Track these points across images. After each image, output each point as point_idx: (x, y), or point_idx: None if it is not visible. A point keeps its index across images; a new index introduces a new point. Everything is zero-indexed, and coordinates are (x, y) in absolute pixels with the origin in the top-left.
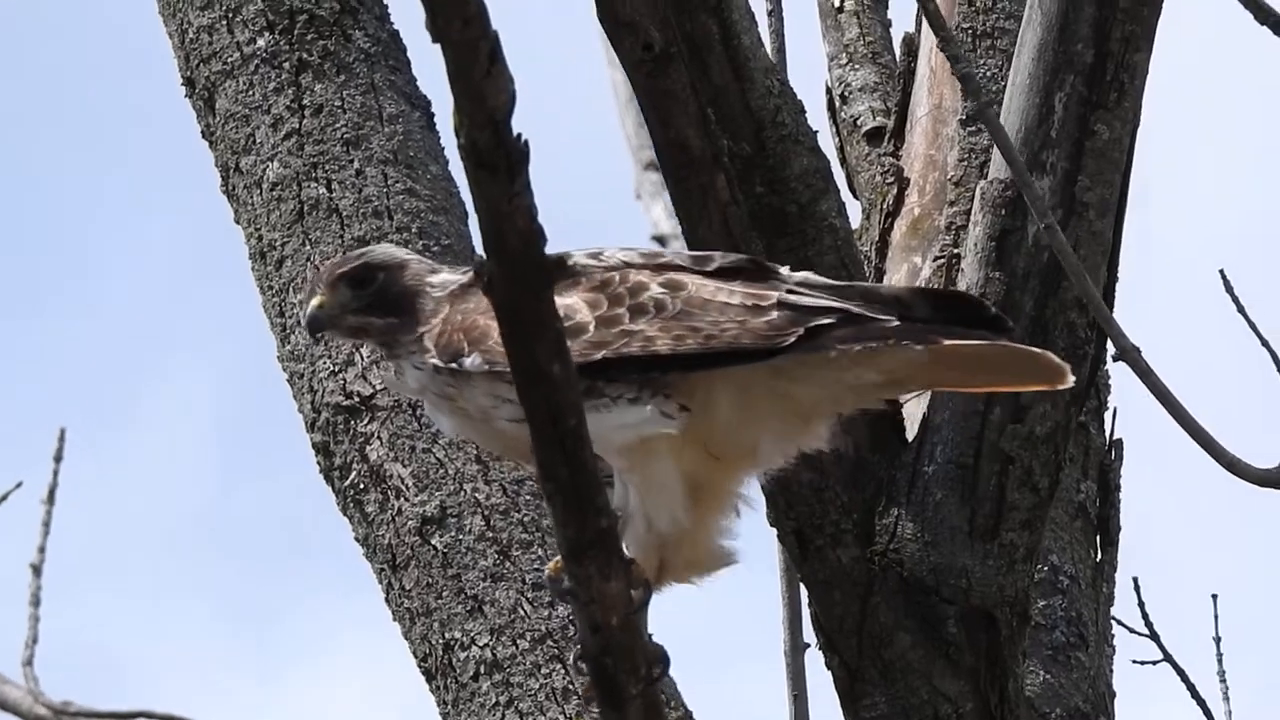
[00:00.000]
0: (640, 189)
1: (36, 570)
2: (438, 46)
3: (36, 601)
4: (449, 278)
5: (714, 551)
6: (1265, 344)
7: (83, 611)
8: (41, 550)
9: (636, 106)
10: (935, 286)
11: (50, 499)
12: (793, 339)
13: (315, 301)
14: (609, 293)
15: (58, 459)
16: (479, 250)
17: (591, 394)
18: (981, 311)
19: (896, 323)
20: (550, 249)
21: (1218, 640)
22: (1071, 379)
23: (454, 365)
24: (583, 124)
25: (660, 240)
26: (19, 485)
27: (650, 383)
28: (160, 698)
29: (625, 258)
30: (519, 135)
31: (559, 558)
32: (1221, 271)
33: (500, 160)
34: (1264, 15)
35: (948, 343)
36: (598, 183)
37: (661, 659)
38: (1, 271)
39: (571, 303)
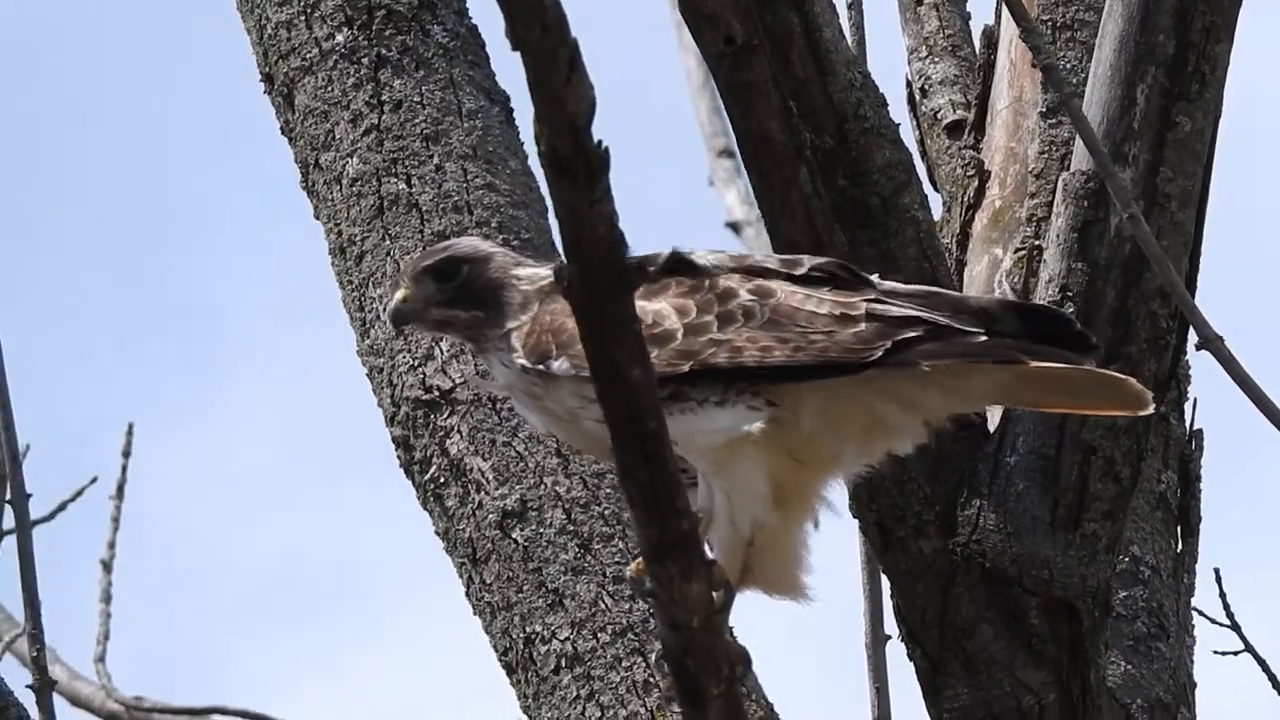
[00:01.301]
0: (714, 175)
1: (107, 566)
2: (517, 54)
3: (107, 598)
4: (536, 271)
5: (795, 565)
6: None
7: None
8: (111, 546)
9: (710, 93)
10: (1022, 280)
11: (119, 495)
12: (880, 353)
13: (399, 295)
14: (698, 299)
15: (126, 454)
16: (559, 244)
17: (677, 398)
18: (1067, 327)
19: (984, 337)
20: (628, 246)
21: None
22: (1152, 406)
23: (541, 368)
24: (657, 110)
25: (734, 226)
26: (94, 481)
27: (735, 386)
28: (234, 693)
29: (715, 260)
30: (599, 142)
31: (640, 558)
32: None
33: (580, 167)
34: None
35: (1034, 364)
36: (671, 169)
37: (743, 658)
38: (76, 263)
39: (660, 308)
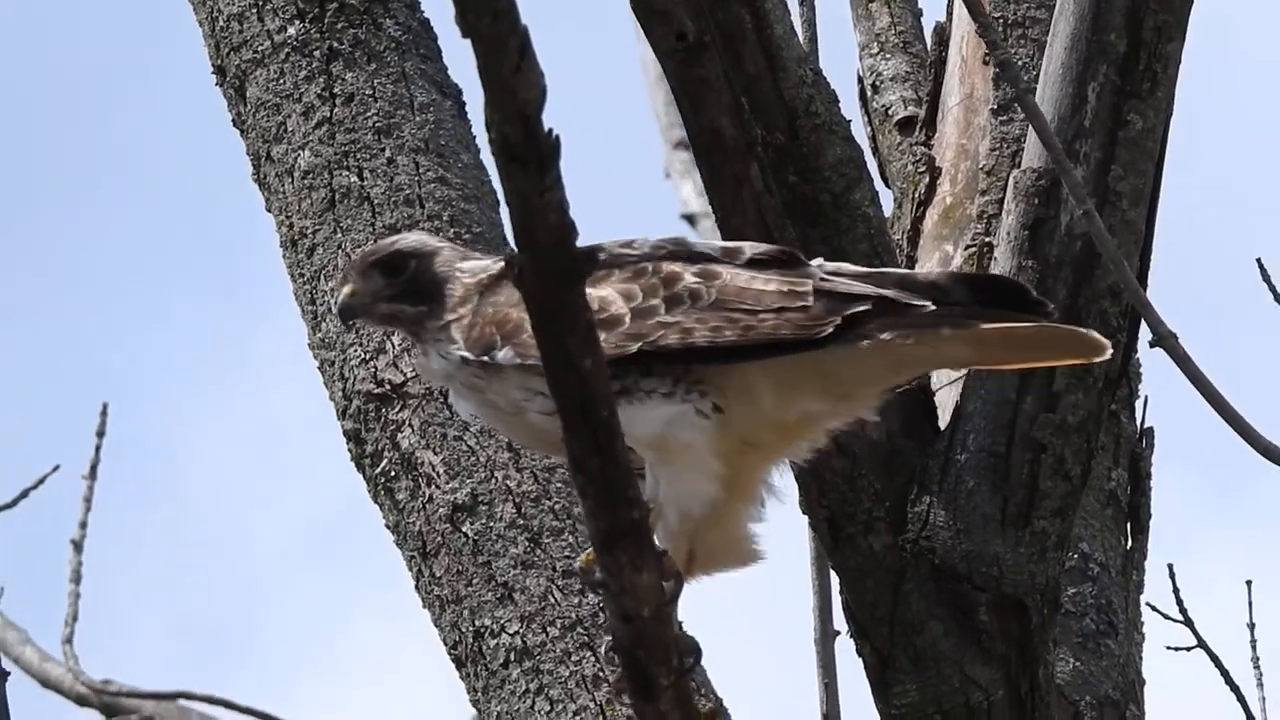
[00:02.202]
0: (670, 167)
1: (77, 546)
2: (468, 41)
3: (77, 578)
4: (480, 264)
5: (742, 543)
6: None
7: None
8: (83, 526)
9: (666, 86)
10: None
11: (92, 474)
12: (831, 329)
13: (347, 289)
14: (643, 284)
15: (100, 434)
16: (511, 238)
17: (627, 391)
18: (1023, 295)
19: (933, 308)
20: (582, 235)
21: (1251, 626)
22: (1109, 349)
23: (486, 358)
24: (614, 101)
25: (690, 219)
26: (56, 469)
27: (685, 375)
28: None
29: (658, 248)
30: (550, 130)
31: (591, 549)
32: (1259, 260)
33: (531, 155)
34: None
35: (985, 327)
36: (627, 160)
37: (693, 650)
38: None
39: (606, 294)
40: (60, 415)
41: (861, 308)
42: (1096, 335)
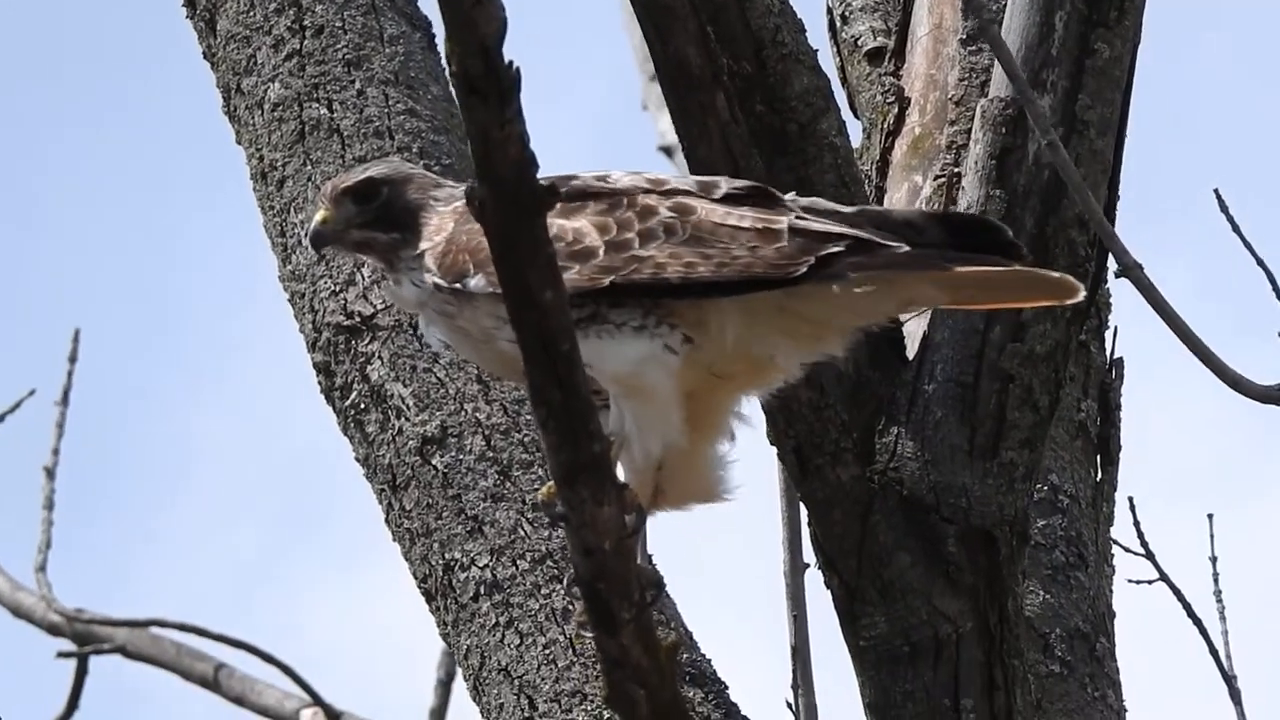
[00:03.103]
0: (647, 100)
1: (50, 473)
2: None
3: (50, 505)
4: (454, 192)
5: (710, 479)
6: (1261, 263)
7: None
8: (55, 452)
9: None
10: (941, 207)
11: (64, 400)
12: (805, 268)
13: (319, 216)
14: (617, 216)
15: (72, 360)
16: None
17: (595, 319)
18: (999, 235)
19: (907, 249)
20: (558, 164)
21: (1214, 560)
22: (1083, 292)
23: (458, 286)
24: (589, 34)
25: (667, 150)
26: (32, 393)
27: (657, 308)
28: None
29: (632, 181)
30: (510, 63)
31: (552, 482)
32: (1216, 191)
33: (491, 87)
34: None
35: (958, 270)
36: (604, 92)
37: (655, 583)
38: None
39: (580, 226)
40: (31, 342)
41: (836, 248)
42: (1070, 278)
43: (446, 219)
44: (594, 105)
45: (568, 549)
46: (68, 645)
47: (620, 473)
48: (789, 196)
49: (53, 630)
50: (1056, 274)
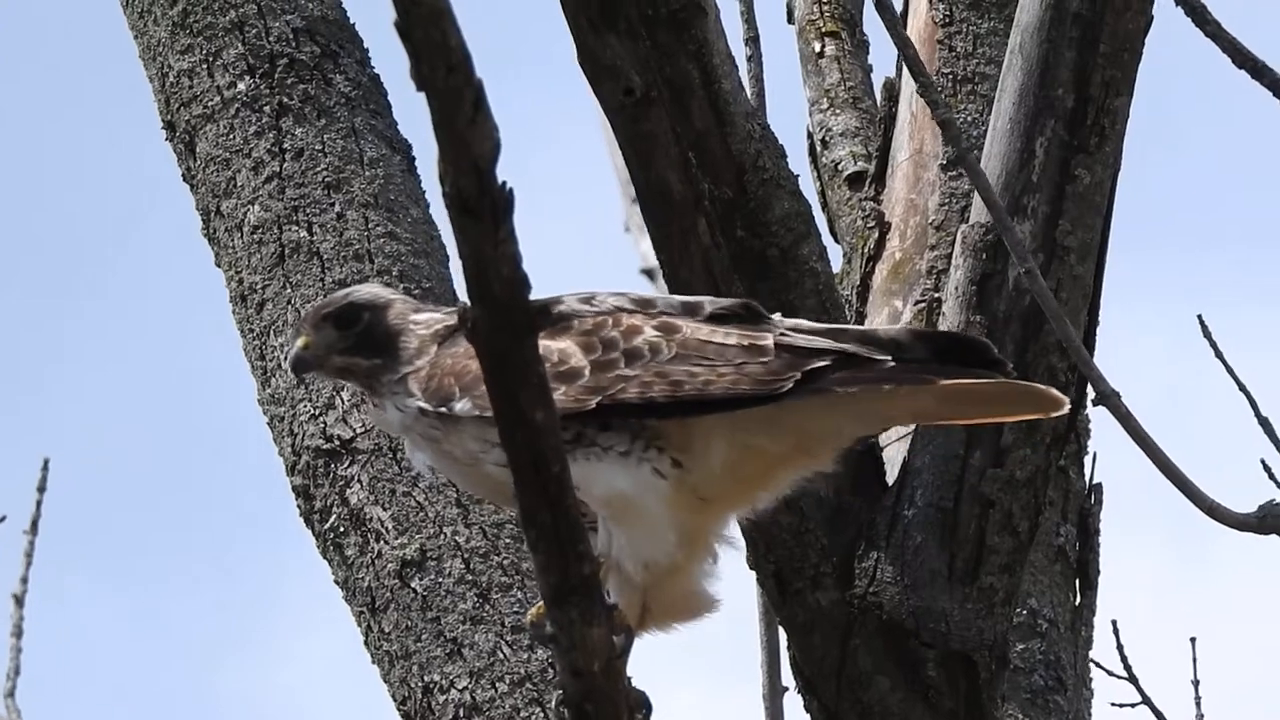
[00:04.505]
0: (629, 221)
1: (19, 601)
2: (422, 94)
3: (19, 633)
4: (433, 316)
5: (696, 596)
6: (1243, 389)
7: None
8: (24, 581)
9: None
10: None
11: (34, 529)
12: (791, 384)
13: (300, 342)
14: (602, 337)
15: (41, 489)
16: (461, 293)
17: (582, 441)
18: (984, 353)
19: (893, 363)
20: (540, 285)
21: (1196, 684)
22: (1068, 405)
23: (444, 409)
24: (571, 155)
25: (650, 273)
26: (3, 519)
27: (644, 430)
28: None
29: (617, 302)
30: (504, 183)
31: (541, 603)
32: (1200, 317)
33: (485, 208)
34: (1242, 59)
35: (945, 383)
36: (586, 214)
37: (643, 704)
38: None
39: (565, 347)
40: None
41: (822, 362)
42: (1055, 391)
43: (428, 343)
44: (576, 227)
45: (555, 670)
46: None
47: (607, 594)
48: (775, 317)
49: None
50: (1041, 386)
